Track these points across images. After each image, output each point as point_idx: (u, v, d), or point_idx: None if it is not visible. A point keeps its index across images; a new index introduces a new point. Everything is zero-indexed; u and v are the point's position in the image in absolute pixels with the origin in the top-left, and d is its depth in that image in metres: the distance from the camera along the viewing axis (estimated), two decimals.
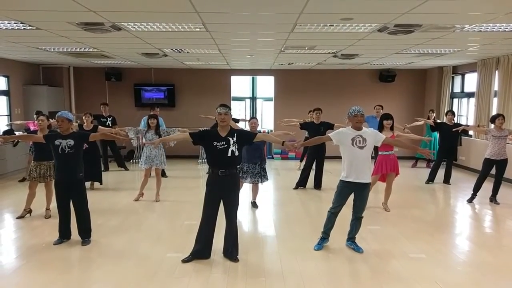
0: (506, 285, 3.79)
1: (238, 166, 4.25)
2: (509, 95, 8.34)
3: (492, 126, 6.60)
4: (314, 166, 7.70)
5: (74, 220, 4.67)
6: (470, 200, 6.74)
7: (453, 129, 7.66)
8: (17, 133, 8.34)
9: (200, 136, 4.17)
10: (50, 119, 6.11)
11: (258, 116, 11.68)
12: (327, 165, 7.84)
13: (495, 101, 8.87)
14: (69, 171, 4.51)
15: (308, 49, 7.68)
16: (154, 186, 6.73)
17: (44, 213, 5.68)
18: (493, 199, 6.69)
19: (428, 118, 9.82)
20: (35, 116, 7.35)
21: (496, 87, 8.80)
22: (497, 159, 6.45)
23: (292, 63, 10.02)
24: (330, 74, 11.52)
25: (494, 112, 8.53)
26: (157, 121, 6.68)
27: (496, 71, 8.77)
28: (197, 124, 8.92)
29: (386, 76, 11.38)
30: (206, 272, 3.89)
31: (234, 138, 4.00)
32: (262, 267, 4.05)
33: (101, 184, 7.59)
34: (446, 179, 8.25)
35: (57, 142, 4.47)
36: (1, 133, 8.60)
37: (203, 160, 10.72)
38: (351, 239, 4.55)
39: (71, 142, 4.47)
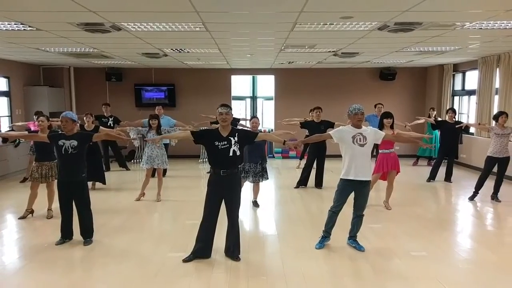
0: (508, 283, 3.79)
1: (239, 166, 4.25)
2: (510, 93, 8.31)
3: (494, 123, 6.60)
4: (315, 165, 7.70)
5: (76, 220, 4.68)
6: (471, 198, 6.73)
7: (456, 126, 7.64)
8: None
9: (202, 135, 4.17)
10: (49, 120, 6.10)
11: (259, 115, 11.67)
12: (328, 164, 7.83)
13: (496, 98, 8.85)
14: (72, 171, 4.53)
15: (308, 48, 7.67)
16: (156, 186, 6.74)
17: (46, 213, 5.69)
18: (494, 196, 6.68)
19: (429, 116, 9.81)
20: (35, 117, 7.32)
21: (497, 84, 8.79)
22: (499, 156, 6.44)
23: (292, 62, 10.01)
24: (330, 73, 11.50)
25: (495, 109, 8.52)
26: (158, 121, 6.68)
27: (497, 69, 8.76)
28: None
29: (387, 74, 11.36)
30: (207, 272, 3.90)
31: (236, 138, 4.00)
32: (263, 266, 4.06)
33: (104, 184, 7.58)
34: (447, 177, 8.23)
35: (60, 142, 4.48)
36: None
37: (204, 160, 10.74)
38: (352, 237, 4.55)
39: (74, 143, 4.48)
